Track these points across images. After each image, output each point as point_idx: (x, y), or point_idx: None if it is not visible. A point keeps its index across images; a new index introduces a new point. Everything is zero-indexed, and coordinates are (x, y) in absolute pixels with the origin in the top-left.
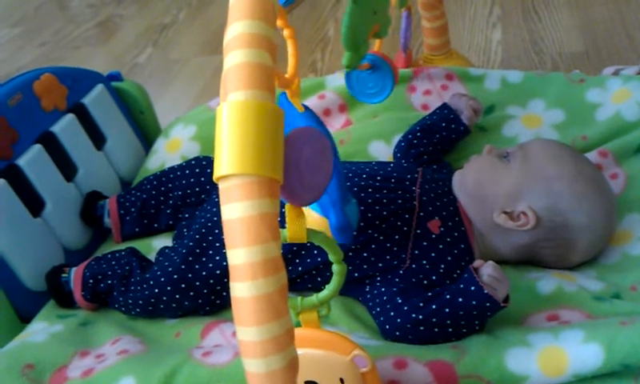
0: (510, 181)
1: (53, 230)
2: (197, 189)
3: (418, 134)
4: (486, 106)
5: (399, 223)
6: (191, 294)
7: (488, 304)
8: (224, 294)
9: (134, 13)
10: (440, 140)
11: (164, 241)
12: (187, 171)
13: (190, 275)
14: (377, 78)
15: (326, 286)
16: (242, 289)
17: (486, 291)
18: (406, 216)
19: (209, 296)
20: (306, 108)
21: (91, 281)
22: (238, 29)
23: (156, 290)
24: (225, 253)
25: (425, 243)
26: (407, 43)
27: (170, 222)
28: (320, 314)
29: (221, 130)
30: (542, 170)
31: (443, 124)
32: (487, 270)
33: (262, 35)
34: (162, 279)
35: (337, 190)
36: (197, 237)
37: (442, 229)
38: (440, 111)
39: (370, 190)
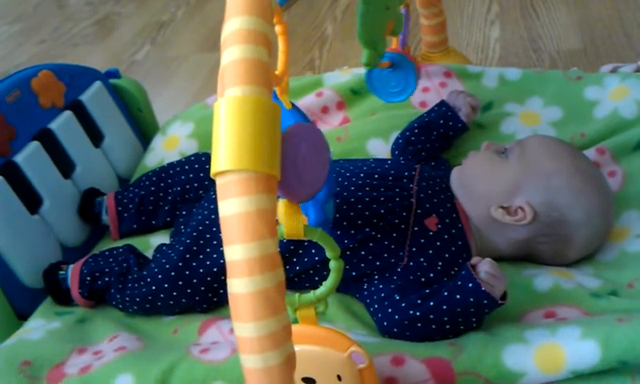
0: (507, 176)
1: (50, 227)
2: (195, 184)
3: (416, 131)
4: (484, 104)
5: (397, 221)
6: (188, 291)
7: (485, 301)
8: (221, 291)
9: (132, 10)
10: (438, 137)
11: (162, 238)
12: (186, 167)
13: (187, 273)
14: (399, 76)
15: (324, 283)
16: (240, 285)
17: (483, 288)
18: (404, 214)
19: (206, 293)
20: (293, 105)
21: (88, 278)
22: (235, 24)
23: (153, 288)
24: (222, 250)
25: (422, 240)
26: (405, 40)
27: (168, 219)
28: (317, 310)
29: (218, 125)
30: (540, 166)
31: (441, 121)
32: (485, 267)
33: (259, 31)
34: (160, 276)
35: (324, 188)
36: (194, 234)
37: (439, 226)
38: (438, 108)
39: (367, 188)
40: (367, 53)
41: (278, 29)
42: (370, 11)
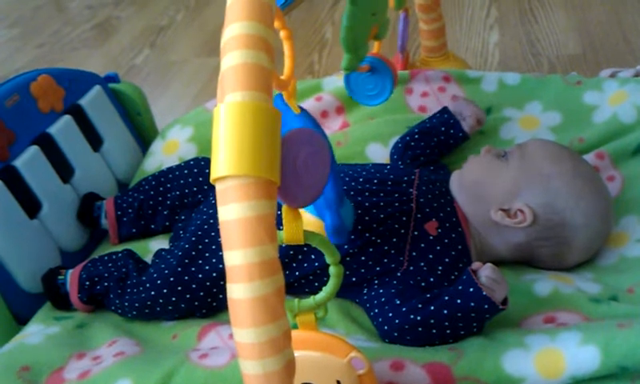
0: (507, 178)
1: (49, 231)
2: (194, 189)
3: (416, 136)
4: (483, 108)
5: (396, 226)
6: (187, 296)
7: (486, 306)
8: (220, 296)
9: (131, 14)
10: (438, 144)
11: (161, 242)
12: (185, 171)
13: (186, 278)
14: (376, 80)
15: (323, 288)
16: (239, 290)
17: (484, 293)
18: (404, 218)
19: (205, 298)
20: (302, 109)
21: (87, 283)
22: (235, 30)
23: (152, 293)
24: (221, 255)
25: (422, 245)
26: (404, 45)
27: (167, 223)
28: (317, 316)
29: (218, 131)
30: (540, 168)
31: (442, 128)
32: (485, 272)
33: (259, 36)
34: (158, 282)
35: (333, 191)
36: (193, 239)
37: (439, 230)
38: (440, 115)
39: (366, 193)
40: (348, 57)
41: (282, 34)
42: (356, 17)
